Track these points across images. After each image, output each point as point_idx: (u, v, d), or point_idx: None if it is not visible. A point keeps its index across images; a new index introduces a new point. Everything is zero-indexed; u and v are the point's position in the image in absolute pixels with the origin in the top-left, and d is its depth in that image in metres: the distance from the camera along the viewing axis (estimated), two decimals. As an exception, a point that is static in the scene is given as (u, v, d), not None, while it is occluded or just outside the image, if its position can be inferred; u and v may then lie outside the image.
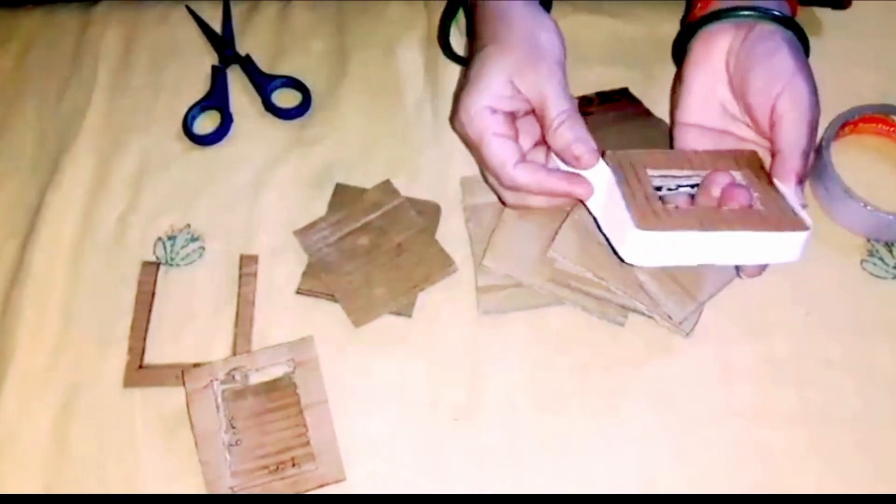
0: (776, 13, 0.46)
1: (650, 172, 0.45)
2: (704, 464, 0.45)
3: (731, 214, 0.43)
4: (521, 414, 0.47)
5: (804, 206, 0.44)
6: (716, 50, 0.47)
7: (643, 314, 0.48)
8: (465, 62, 0.54)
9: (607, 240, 0.44)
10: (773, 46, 0.45)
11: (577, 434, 0.46)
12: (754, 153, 0.47)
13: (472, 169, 0.54)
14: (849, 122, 0.53)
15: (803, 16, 0.58)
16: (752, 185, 0.45)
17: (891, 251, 0.51)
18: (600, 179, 0.45)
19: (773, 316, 0.49)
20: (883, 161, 0.54)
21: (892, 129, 0.54)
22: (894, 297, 0.49)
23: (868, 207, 0.49)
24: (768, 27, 0.46)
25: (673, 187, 0.46)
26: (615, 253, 0.43)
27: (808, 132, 0.44)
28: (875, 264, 0.50)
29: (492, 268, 0.49)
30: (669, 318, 0.47)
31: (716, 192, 0.44)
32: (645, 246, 0.42)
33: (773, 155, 0.45)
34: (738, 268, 0.47)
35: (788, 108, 0.44)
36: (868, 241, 0.51)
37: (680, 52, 0.50)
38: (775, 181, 0.44)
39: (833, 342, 0.48)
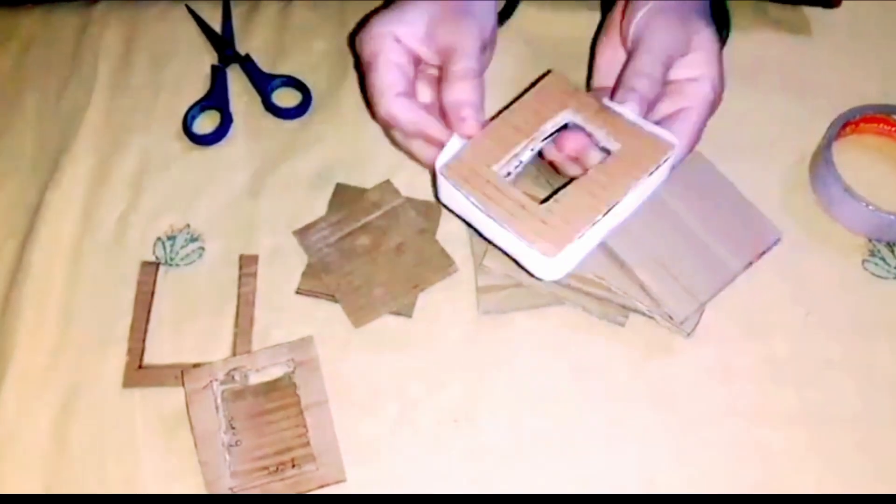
0: None
1: (495, 167, 0.42)
2: (704, 464, 0.45)
3: (606, 178, 0.41)
4: (521, 414, 0.47)
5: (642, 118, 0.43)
6: (619, 18, 0.48)
7: (643, 314, 0.48)
8: None
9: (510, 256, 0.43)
10: (667, 5, 0.45)
11: (577, 434, 0.46)
12: (553, 73, 0.45)
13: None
14: (850, 122, 0.53)
15: (793, 16, 0.59)
16: (587, 119, 0.43)
17: (892, 251, 0.51)
18: (455, 197, 0.42)
19: (774, 316, 0.49)
20: (884, 161, 0.54)
21: (893, 128, 0.54)
22: (895, 297, 0.49)
23: (869, 207, 0.49)
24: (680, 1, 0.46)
25: (517, 164, 0.44)
26: (525, 270, 0.42)
27: (657, 60, 0.43)
28: (876, 264, 0.50)
29: (492, 268, 0.49)
30: (670, 318, 0.47)
31: (555, 156, 0.43)
32: (558, 263, 0.41)
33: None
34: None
35: (646, 36, 0.44)
36: (869, 240, 0.51)
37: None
38: (612, 105, 0.43)
39: (833, 342, 0.48)
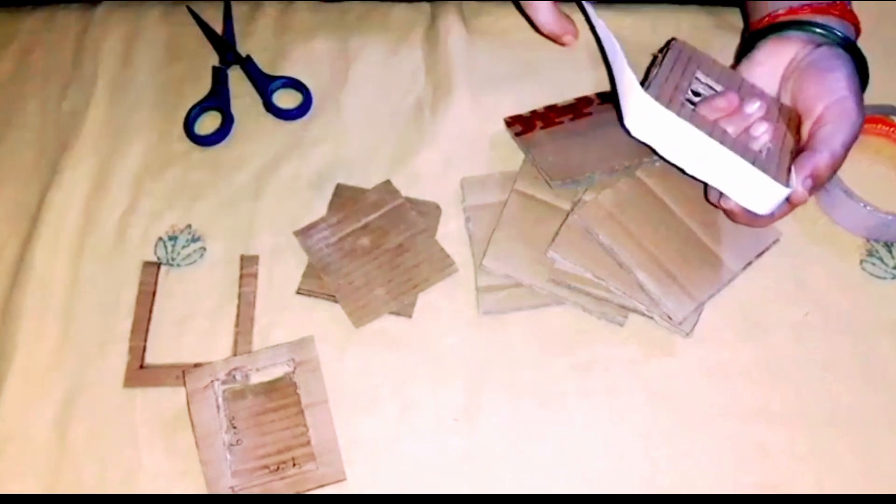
0: (842, 36, 0.48)
1: (698, 74, 0.48)
2: (704, 464, 0.45)
3: (729, 139, 0.45)
4: (521, 414, 0.47)
5: (799, 197, 0.44)
6: (782, 56, 0.49)
7: (643, 314, 0.48)
8: None
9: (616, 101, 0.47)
10: (834, 65, 0.47)
11: (577, 434, 0.46)
12: (795, 112, 0.48)
13: (473, 169, 0.54)
14: (848, 123, 0.53)
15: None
16: (772, 136, 0.46)
17: (890, 252, 0.51)
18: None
19: (773, 316, 0.49)
20: (882, 162, 0.54)
21: (891, 129, 0.54)
22: (894, 297, 0.49)
23: (868, 208, 0.49)
24: (836, 49, 0.48)
25: (702, 93, 0.48)
26: (620, 120, 0.46)
27: (844, 144, 0.45)
28: (874, 265, 0.51)
29: (492, 268, 0.49)
30: (669, 318, 0.47)
31: (710, 113, 0.46)
32: (643, 112, 0.44)
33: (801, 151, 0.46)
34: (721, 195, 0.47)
35: (835, 117, 0.45)
36: (868, 241, 0.51)
37: (743, 53, 0.52)
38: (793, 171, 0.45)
39: (832, 342, 0.48)
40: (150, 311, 0.51)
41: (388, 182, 0.54)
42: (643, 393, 0.47)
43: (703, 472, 0.45)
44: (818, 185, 0.45)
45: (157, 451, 0.46)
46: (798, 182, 0.44)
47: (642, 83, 0.45)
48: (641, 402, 0.47)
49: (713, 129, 0.45)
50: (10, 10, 0.64)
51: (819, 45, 0.48)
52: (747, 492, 0.44)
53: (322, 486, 0.45)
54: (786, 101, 0.49)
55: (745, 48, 0.52)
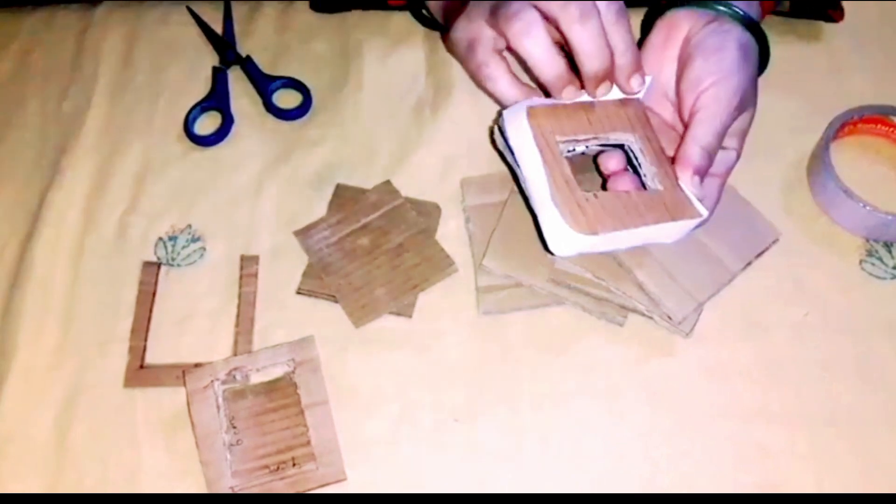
0: (741, 13, 0.46)
1: (557, 138, 0.45)
2: (704, 464, 0.45)
3: (641, 205, 0.44)
4: (521, 414, 0.47)
5: (700, 199, 0.45)
6: (676, 33, 0.47)
7: (642, 314, 0.48)
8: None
9: (535, 218, 0.45)
10: (721, 42, 0.45)
11: (577, 434, 0.46)
12: (639, 104, 0.48)
13: (473, 169, 0.54)
14: (848, 123, 0.53)
15: (804, 23, 0.59)
16: (645, 151, 0.46)
17: (890, 251, 0.51)
18: (521, 140, 0.45)
19: (772, 316, 0.49)
20: (882, 161, 0.54)
21: (891, 129, 0.54)
22: (893, 297, 0.49)
23: (867, 207, 0.49)
24: (728, 24, 0.46)
25: (572, 149, 0.47)
26: (540, 237, 0.45)
27: (718, 131, 0.44)
28: (874, 265, 0.51)
29: (492, 268, 0.49)
30: (669, 318, 0.47)
31: (608, 167, 0.47)
32: (575, 243, 0.43)
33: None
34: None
35: (709, 103, 0.44)
36: (867, 241, 0.51)
37: (647, 29, 0.51)
38: (677, 169, 0.45)
39: (832, 342, 0.48)
40: (150, 311, 0.51)
41: (388, 182, 0.54)
42: (643, 393, 0.47)
43: (703, 472, 0.45)
44: (703, 177, 0.44)
45: (157, 451, 0.46)
46: (691, 190, 0.44)
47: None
48: (641, 402, 0.47)
49: (627, 203, 0.44)
50: (11, 10, 0.64)
51: (712, 20, 0.46)
52: (747, 492, 0.44)
53: (322, 486, 0.45)
54: (676, 85, 0.47)
55: (644, 32, 0.51)
